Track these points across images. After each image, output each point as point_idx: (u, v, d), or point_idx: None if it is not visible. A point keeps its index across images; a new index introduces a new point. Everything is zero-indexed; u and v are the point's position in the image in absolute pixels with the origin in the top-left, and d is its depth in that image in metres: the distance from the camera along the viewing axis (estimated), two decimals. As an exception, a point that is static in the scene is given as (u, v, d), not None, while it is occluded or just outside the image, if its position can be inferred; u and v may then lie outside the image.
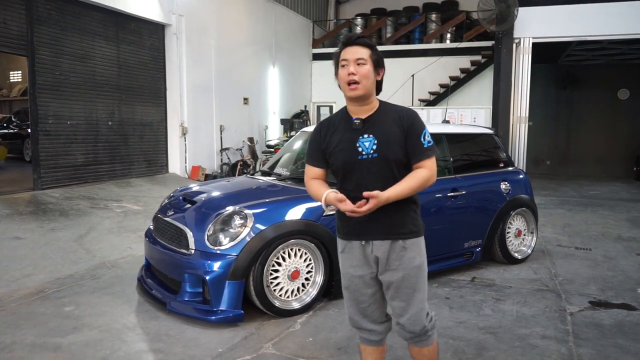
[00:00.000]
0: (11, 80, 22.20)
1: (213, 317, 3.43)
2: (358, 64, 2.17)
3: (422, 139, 2.20)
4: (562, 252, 5.65)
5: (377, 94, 2.29)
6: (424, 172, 2.18)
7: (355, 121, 2.22)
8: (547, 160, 15.23)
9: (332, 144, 2.26)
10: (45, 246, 5.41)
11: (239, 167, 10.99)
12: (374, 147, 2.17)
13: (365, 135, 2.20)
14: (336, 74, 2.26)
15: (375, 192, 2.05)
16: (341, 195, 2.14)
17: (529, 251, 5.24)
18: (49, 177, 7.80)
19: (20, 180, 8.66)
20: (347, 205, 2.10)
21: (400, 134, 2.19)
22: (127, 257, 5.17)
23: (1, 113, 18.87)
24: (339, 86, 2.25)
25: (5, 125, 14.03)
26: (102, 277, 4.54)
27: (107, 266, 4.88)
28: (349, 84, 2.17)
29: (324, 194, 2.19)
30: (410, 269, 2.23)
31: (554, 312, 3.85)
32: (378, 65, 2.22)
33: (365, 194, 2.05)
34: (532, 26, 9.62)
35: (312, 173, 2.36)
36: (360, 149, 2.19)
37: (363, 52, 2.18)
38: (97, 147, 8.65)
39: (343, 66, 2.20)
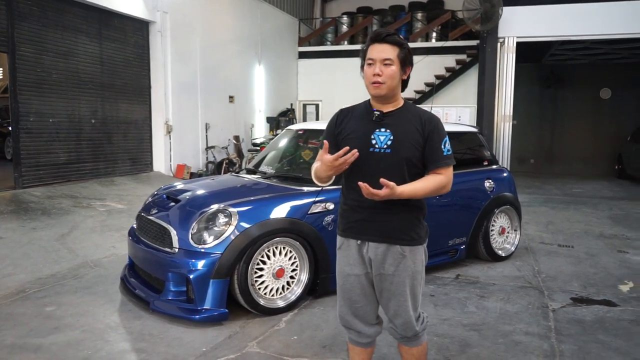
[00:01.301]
0: (-7, 78, 21.84)
1: (197, 316, 3.41)
2: (385, 64, 2.12)
3: (442, 146, 2.17)
4: (545, 250, 5.71)
5: (402, 91, 2.25)
6: (442, 178, 2.16)
7: (375, 112, 2.19)
8: (531, 159, 15.39)
9: (346, 131, 2.23)
10: (26, 245, 5.32)
11: (224, 165, 10.93)
12: (389, 142, 2.14)
13: (382, 129, 2.17)
14: (362, 68, 2.22)
15: (392, 183, 1.99)
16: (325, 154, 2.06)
17: (513, 248, 5.29)
18: (31, 176, 7.68)
19: (0, 178, 8.51)
20: (332, 157, 2.02)
21: (419, 136, 2.15)
22: (111, 257, 5.11)
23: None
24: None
25: (-15, 123, 13.80)
26: (84, 277, 4.49)
27: (90, 265, 4.82)
28: (373, 83, 2.14)
29: (315, 167, 2.18)
30: (405, 277, 2.20)
31: (537, 309, 3.89)
32: (405, 64, 2.17)
33: (382, 181, 1.99)
34: (517, 26, 9.71)
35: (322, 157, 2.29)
36: (374, 142, 2.16)
37: (390, 52, 2.13)
38: (80, 145, 8.53)
39: (370, 65, 2.15)
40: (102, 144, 8.97)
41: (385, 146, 2.15)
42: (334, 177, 2.21)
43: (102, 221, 6.51)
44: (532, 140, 15.28)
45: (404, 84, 2.24)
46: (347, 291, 2.31)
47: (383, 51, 2.13)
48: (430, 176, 2.17)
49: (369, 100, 2.28)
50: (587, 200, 9.62)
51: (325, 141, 2.11)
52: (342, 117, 2.31)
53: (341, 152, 2.01)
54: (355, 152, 2.01)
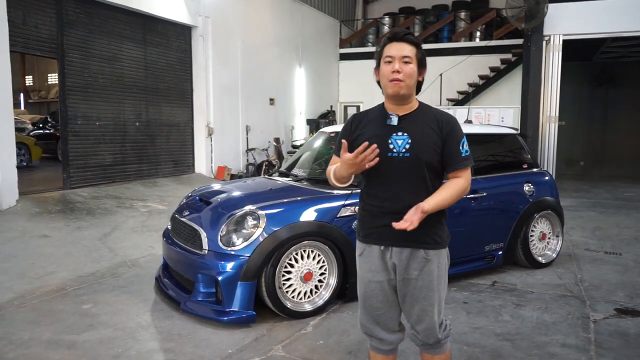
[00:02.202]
0: (49, 83, 22.97)
1: (225, 318, 3.44)
2: (404, 62, 2.08)
3: (460, 147, 2.13)
4: (590, 257, 5.46)
5: (417, 94, 2.20)
6: (461, 182, 2.12)
7: (391, 116, 2.14)
8: (580, 161, 14.77)
9: (362, 136, 2.18)
10: (70, 244, 5.54)
11: (264, 167, 11.05)
12: (407, 146, 2.10)
13: (400, 133, 2.12)
14: (376, 69, 2.18)
15: (413, 209, 1.97)
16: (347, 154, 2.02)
17: (554, 255, 5.08)
18: (78, 177, 8.00)
19: (51, 179, 8.91)
20: (352, 155, 1.98)
21: (437, 138, 2.11)
22: (148, 256, 5.24)
23: (40, 114, 19.52)
24: (378, 82, 2.18)
25: (41, 125, 14.50)
26: (122, 276, 4.62)
27: (128, 265, 4.96)
28: (392, 80, 2.08)
29: (333, 167, 2.16)
30: (429, 281, 2.16)
31: (577, 320, 3.71)
32: (421, 65, 2.14)
33: (396, 226, 1.97)
34: (563, 23, 9.34)
35: (336, 162, 2.26)
36: (391, 146, 2.12)
37: (409, 50, 2.09)
38: (124, 148, 8.82)
39: (388, 62, 2.10)
40: (145, 146, 9.24)
41: (403, 150, 2.11)
42: (352, 177, 2.16)
43: (143, 221, 6.69)
44: (582, 141, 14.66)
45: (419, 87, 2.19)
46: (369, 298, 2.26)
47: (402, 49, 2.09)
48: (451, 183, 2.13)
49: (382, 103, 2.23)
50: (639, 204, 9.13)
51: (343, 140, 2.07)
52: (357, 122, 2.26)
53: (361, 148, 1.97)
54: (374, 148, 1.97)
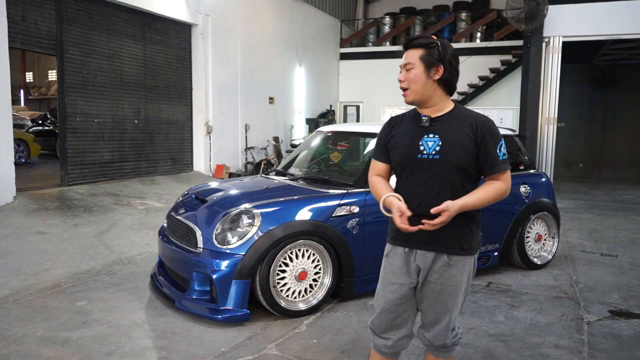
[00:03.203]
0: (49, 79, 22.99)
1: (219, 316, 3.44)
2: (407, 70, 2.11)
3: (498, 151, 2.07)
4: (585, 258, 5.46)
5: (450, 92, 2.15)
6: (501, 185, 2.07)
7: (423, 118, 2.13)
8: (579, 163, 14.77)
9: (396, 138, 2.20)
10: (66, 241, 5.54)
11: (262, 166, 11.05)
12: (437, 148, 2.07)
13: (431, 135, 2.10)
14: None
15: (444, 205, 1.95)
16: (403, 205, 2.03)
17: (550, 257, 5.08)
18: (76, 174, 8.00)
19: (49, 176, 8.92)
20: (401, 220, 2.01)
21: (470, 141, 2.07)
22: (144, 254, 5.25)
23: (40, 111, 19.53)
24: None
25: (40, 122, 14.49)
26: (117, 273, 4.62)
27: (124, 262, 4.96)
28: (403, 90, 2.14)
29: (384, 196, 2.12)
30: (449, 286, 2.13)
31: (570, 321, 3.72)
32: (433, 64, 2.08)
33: (433, 210, 1.96)
34: (563, 25, 9.34)
35: (375, 168, 2.29)
36: (421, 148, 2.10)
37: (412, 55, 2.10)
38: (123, 145, 8.82)
39: (400, 73, 2.16)
40: (144, 144, 9.24)
41: (433, 152, 2.08)
42: None
43: (140, 219, 6.69)
44: (581, 143, 14.66)
45: (446, 85, 2.12)
46: (388, 299, 2.22)
47: (405, 57, 2.13)
48: (488, 184, 2.08)
49: (415, 107, 2.23)
50: (637, 207, 9.14)
51: (404, 206, 2.06)
52: (392, 124, 2.27)
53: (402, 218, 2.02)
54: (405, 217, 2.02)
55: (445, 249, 2.11)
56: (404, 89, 2.13)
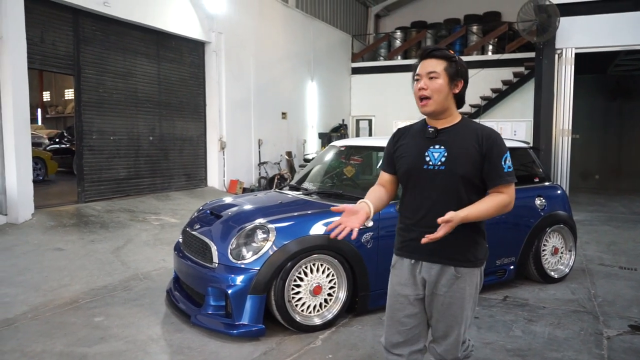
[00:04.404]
0: (66, 98, 23.40)
1: (235, 331, 3.45)
2: (430, 78, 2.10)
3: (502, 163, 2.08)
4: (604, 272, 5.38)
5: (460, 107, 2.20)
6: (504, 197, 2.07)
7: (430, 129, 2.15)
8: (596, 175, 14.59)
9: (402, 149, 2.22)
10: (84, 257, 5.60)
11: (276, 180, 11.10)
12: (443, 159, 2.09)
13: (437, 146, 2.12)
14: (413, 88, 2.21)
15: (448, 216, 1.94)
16: (350, 207, 2.10)
17: (567, 270, 5.02)
18: (93, 191, 8.11)
19: (66, 193, 9.04)
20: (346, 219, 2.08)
21: (476, 153, 2.08)
22: (160, 269, 5.28)
23: (57, 129, 19.86)
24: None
25: (57, 140, 14.75)
26: (133, 289, 4.66)
27: (140, 278, 5.00)
28: (421, 99, 2.12)
29: (358, 202, 2.17)
30: (457, 299, 2.13)
31: (590, 336, 3.66)
32: (455, 78, 2.12)
33: (439, 220, 1.95)
34: (575, 36, 9.31)
35: (381, 178, 2.31)
36: (427, 159, 2.12)
37: (436, 65, 2.10)
38: (138, 162, 8.93)
39: (417, 80, 2.14)
40: (159, 160, 9.35)
41: (439, 163, 2.10)
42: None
43: (155, 235, 6.75)
44: (597, 155, 14.49)
45: (459, 100, 2.17)
46: (396, 311, 2.24)
47: (429, 65, 2.12)
48: (492, 196, 2.09)
49: (425, 118, 2.24)
50: (656, 219, 9.00)
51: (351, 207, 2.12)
52: (399, 136, 2.29)
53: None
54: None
55: (451, 261, 2.12)
56: (426, 97, 2.10)
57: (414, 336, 2.23)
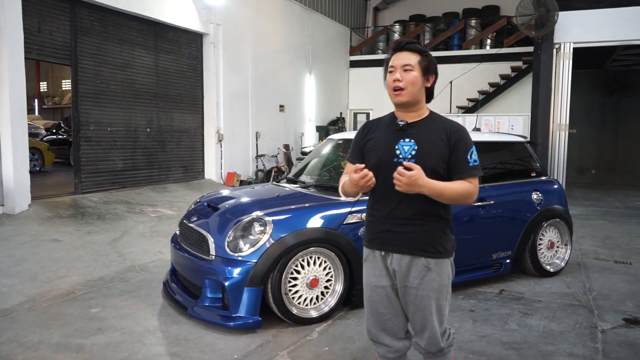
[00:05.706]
0: (63, 89, 23.30)
1: (231, 323, 3.46)
2: (405, 70, 2.13)
3: (468, 157, 2.13)
4: (599, 266, 5.41)
5: (429, 101, 2.24)
6: (469, 186, 2.12)
7: (400, 122, 2.18)
8: (592, 169, 14.64)
9: (371, 142, 2.23)
10: (80, 249, 5.60)
11: (273, 173, 11.09)
12: (413, 152, 2.12)
13: (407, 139, 2.15)
14: (385, 79, 2.22)
15: (417, 166, 1.97)
16: (354, 167, 2.05)
17: (563, 264, 5.05)
18: (90, 182, 8.10)
19: (63, 184, 9.02)
20: (360, 176, 2.01)
21: (444, 146, 2.12)
22: (156, 261, 5.29)
23: (54, 120, 19.78)
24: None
25: (54, 131, 14.69)
26: (130, 280, 4.66)
27: (137, 269, 5.00)
28: (394, 90, 2.14)
29: (343, 181, 2.18)
30: (430, 290, 2.16)
31: (584, 329, 3.68)
32: (428, 72, 2.16)
33: (406, 164, 1.98)
34: (573, 31, 9.30)
35: (349, 169, 2.30)
36: (397, 152, 2.15)
37: (411, 58, 2.14)
38: (135, 153, 8.91)
39: (390, 72, 2.16)
40: (156, 152, 9.33)
41: (409, 156, 2.13)
42: (360, 193, 2.21)
43: (152, 227, 6.75)
44: (593, 149, 14.53)
45: (429, 94, 2.22)
46: (374, 303, 2.28)
47: (404, 58, 2.14)
48: (459, 182, 2.12)
49: (394, 111, 2.27)
50: (651, 214, 9.04)
51: (358, 165, 2.07)
52: (368, 128, 2.32)
53: (362, 173, 2.01)
54: (368, 174, 2.01)
55: (420, 252, 2.15)
56: (400, 89, 2.12)
57: (394, 325, 2.27)
